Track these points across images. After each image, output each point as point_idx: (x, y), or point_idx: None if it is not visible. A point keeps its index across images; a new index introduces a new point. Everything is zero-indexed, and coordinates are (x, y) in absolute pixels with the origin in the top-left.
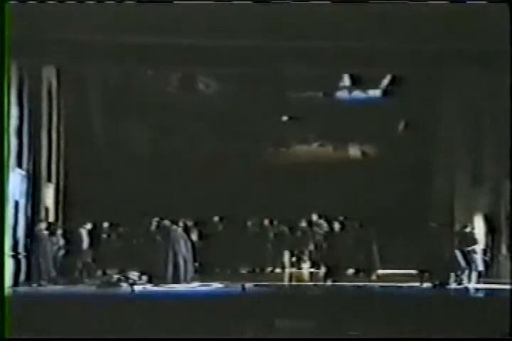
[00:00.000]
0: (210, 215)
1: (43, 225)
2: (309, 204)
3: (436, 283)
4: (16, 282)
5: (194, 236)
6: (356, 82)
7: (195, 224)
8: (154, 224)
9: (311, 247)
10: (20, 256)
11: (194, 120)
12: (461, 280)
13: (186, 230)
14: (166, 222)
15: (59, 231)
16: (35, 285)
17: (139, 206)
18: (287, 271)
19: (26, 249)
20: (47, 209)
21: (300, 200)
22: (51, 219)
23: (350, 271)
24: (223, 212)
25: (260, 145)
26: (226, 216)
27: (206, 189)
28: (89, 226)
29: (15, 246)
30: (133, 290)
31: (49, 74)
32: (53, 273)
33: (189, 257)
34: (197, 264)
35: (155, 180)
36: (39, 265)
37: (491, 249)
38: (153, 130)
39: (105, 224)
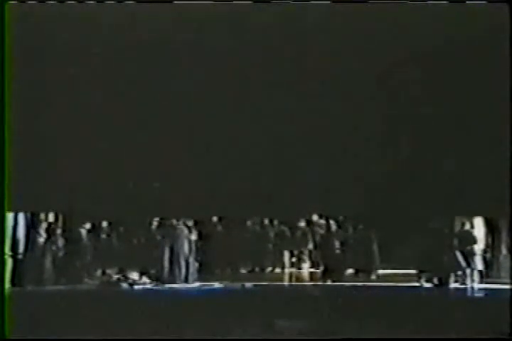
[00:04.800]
0: (210, 215)
1: (43, 225)
2: (309, 204)
3: (436, 283)
4: (15, 282)
5: (194, 236)
6: None
7: (195, 224)
8: (155, 223)
9: (311, 247)
10: (20, 256)
11: (194, 119)
12: (462, 280)
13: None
14: (172, 221)
15: (59, 231)
16: (34, 285)
17: (139, 206)
18: (287, 270)
19: (26, 248)
20: None
21: (300, 200)
22: (51, 219)
23: (350, 270)
24: (223, 211)
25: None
26: (226, 216)
27: (206, 189)
28: (89, 226)
29: (15, 246)
30: (133, 290)
31: None
32: (53, 273)
33: (191, 257)
34: (197, 264)
35: (155, 180)
36: (39, 265)
37: (491, 248)
38: (153, 129)
39: (105, 224)
